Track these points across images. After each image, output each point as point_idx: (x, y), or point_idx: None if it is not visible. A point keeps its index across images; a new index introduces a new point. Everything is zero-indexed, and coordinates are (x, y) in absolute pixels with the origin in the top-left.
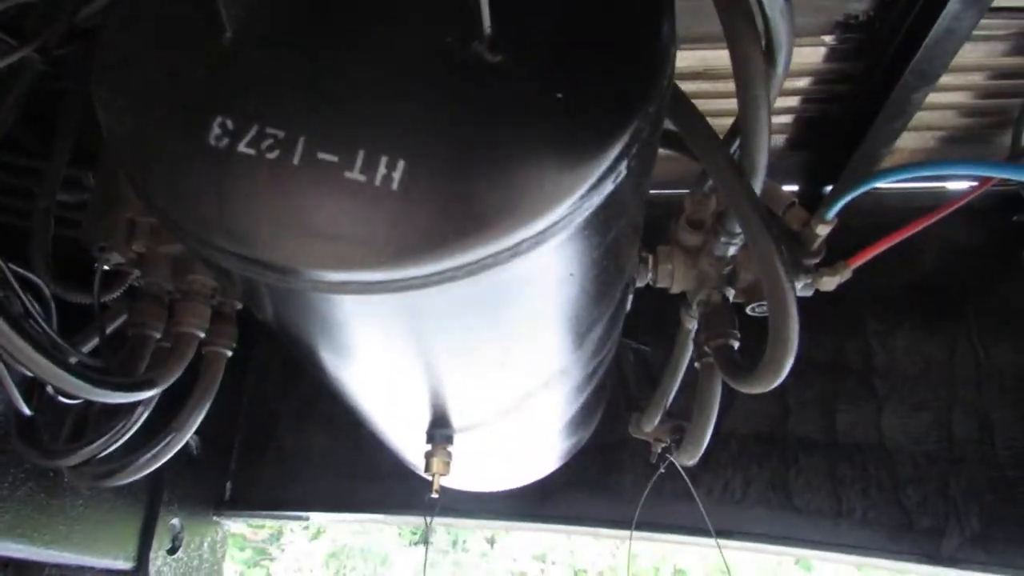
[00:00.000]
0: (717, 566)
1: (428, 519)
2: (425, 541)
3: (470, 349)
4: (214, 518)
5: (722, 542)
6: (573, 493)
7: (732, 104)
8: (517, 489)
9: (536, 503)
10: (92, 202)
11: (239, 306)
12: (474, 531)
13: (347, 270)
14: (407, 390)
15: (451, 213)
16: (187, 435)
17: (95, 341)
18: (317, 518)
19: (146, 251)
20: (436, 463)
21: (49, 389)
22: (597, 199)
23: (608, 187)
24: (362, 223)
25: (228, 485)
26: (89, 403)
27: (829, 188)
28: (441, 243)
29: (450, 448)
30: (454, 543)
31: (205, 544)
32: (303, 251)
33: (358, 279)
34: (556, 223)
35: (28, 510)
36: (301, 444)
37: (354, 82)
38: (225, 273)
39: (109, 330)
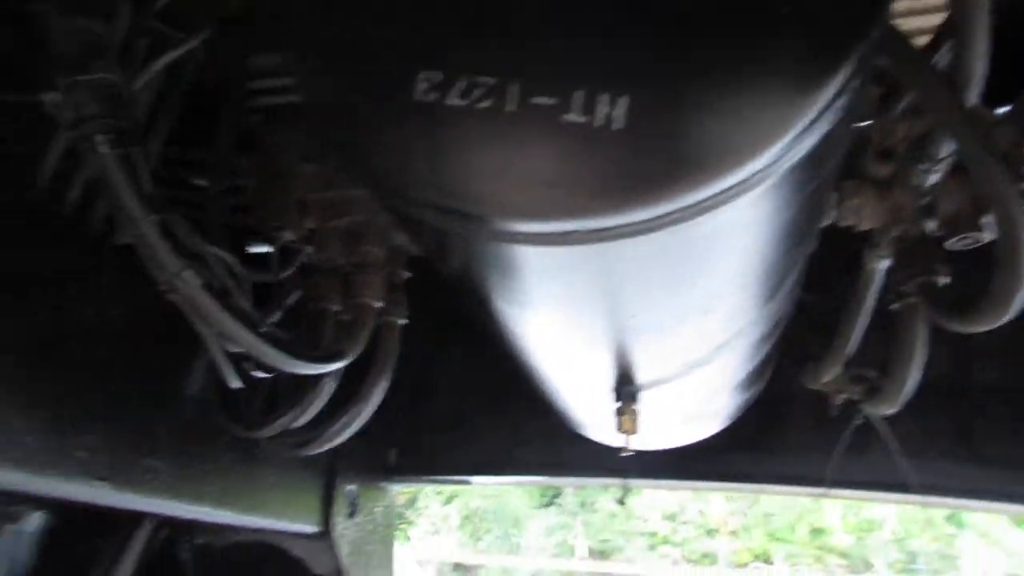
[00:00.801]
0: (857, 525)
1: (619, 482)
2: (621, 501)
3: (669, 299)
4: (383, 485)
5: (883, 495)
6: (735, 451)
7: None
8: (681, 448)
9: (699, 461)
10: (257, 184)
11: (407, 275)
12: (604, 492)
13: (572, 218)
14: (595, 345)
15: (679, 150)
16: (374, 405)
17: (274, 318)
18: (480, 482)
19: (318, 227)
20: (626, 421)
21: (238, 365)
22: (824, 125)
23: (830, 118)
24: (583, 168)
25: (392, 453)
26: (277, 378)
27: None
28: (671, 182)
29: (637, 406)
30: (582, 504)
31: (377, 509)
32: (522, 202)
33: (583, 227)
34: (791, 145)
35: (232, 479)
36: (462, 411)
37: (564, 18)
38: (422, 232)
39: (285, 308)
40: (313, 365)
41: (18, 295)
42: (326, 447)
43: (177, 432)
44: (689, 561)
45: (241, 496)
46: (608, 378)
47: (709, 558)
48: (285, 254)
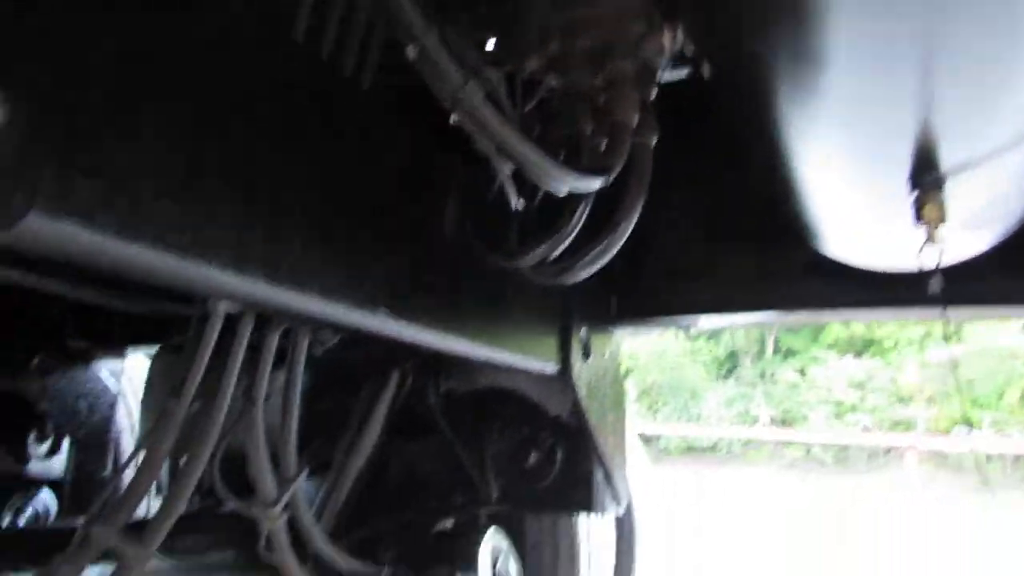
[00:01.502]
0: None
1: (865, 315)
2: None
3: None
4: (609, 329)
5: None
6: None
7: None
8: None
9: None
10: (498, 14)
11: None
12: (783, 362)
13: None
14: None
15: None
16: (629, 228)
17: None
18: (705, 322)
19: (561, 51)
20: (930, 209)
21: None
22: None
23: None
24: None
25: (613, 299)
26: (527, 210)
27: None
28: None
29: (942, 193)
30: (762, 375)
31: (606, 353)
32: None
33: None
34: None
35: (486, 316)
36: (685, 253)
37: None
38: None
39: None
40: (585, 178)
41: (308, 139)
42: (589, 271)
43: (441, 268)
44: (880, 429)
45: (494, 332)
46: (906, 165)
47: (903, 425)
48: (525, 87)
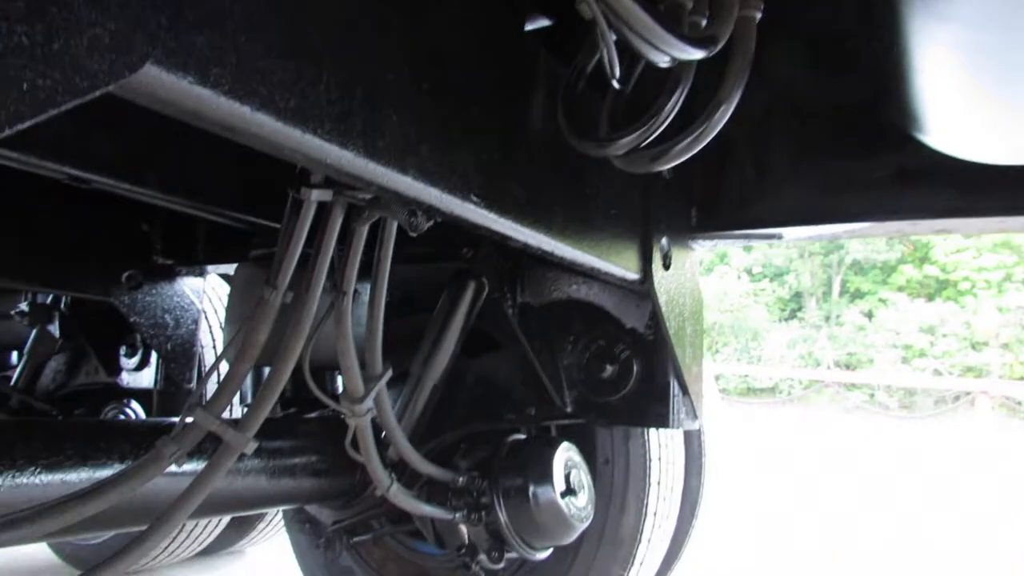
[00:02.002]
0: None
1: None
2: None
3: None
4: (688, 242)
5: None
6: None
7: None
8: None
9: None
10: None
11: None
12: (849, 304)
13: None
14: None
15: None
16: (729, 110)
17: None
18: (792, 234)
19: None
20: None
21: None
22: None
23: None
24: None
25: (693, 211)
26: (621, 91)
27: None
28: None
29: None
30: (827, 318)
31: (685, 266)
32: None
33: None
34: None
35: (571, 213)
36: (765, 158)
37: None
38: None
39: None
40: (690, 47)
41: (404, 16)
42: (685, 156)
43: (529, 162)
44: (951, 374)
45: (578, 233)
46: None
47: (975, 372)
48: None
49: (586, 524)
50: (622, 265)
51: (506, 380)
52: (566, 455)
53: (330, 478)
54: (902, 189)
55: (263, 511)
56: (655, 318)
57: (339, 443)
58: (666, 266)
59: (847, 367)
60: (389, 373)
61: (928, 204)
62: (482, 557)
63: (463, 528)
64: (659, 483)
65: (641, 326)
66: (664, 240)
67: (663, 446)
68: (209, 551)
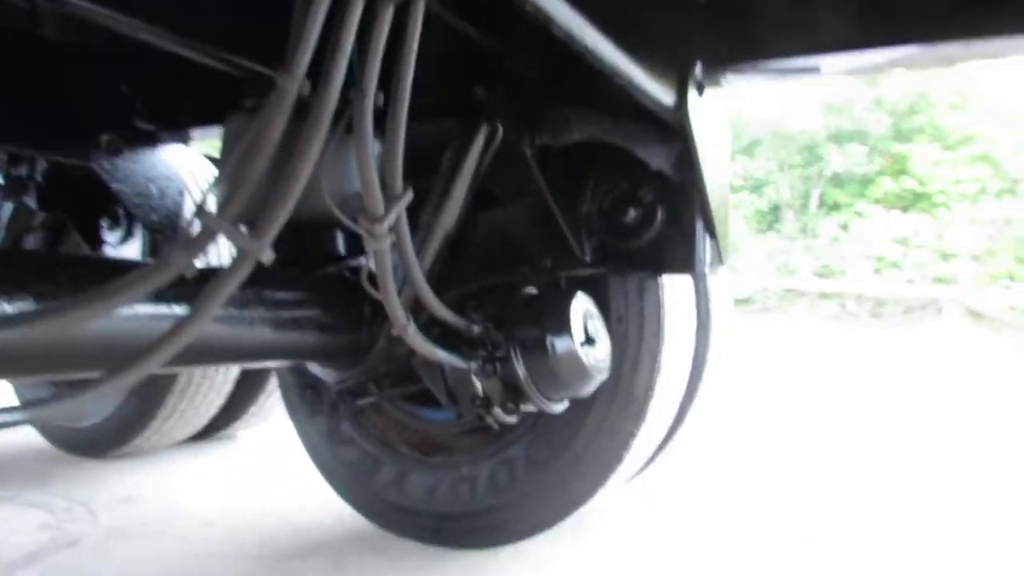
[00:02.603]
0: None
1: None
2: None
3: None
4: (721, 74)
5: None
6: None
7: None
8: None
9: None
10: None
11: None
12: (826, 216)
13: None
14: None
15: None
16: None
17: None
18: (830, 65)
19: None
20: None
21: None
22: None
23: None
24: None
25: (725, 43)
26: None
27: None
28: None
29: None
30: (803, 229)
31: (716, 97)
32: None
33: None
34: None
35: (609, 13)
36: None
37: None
38: None
39: None
40: None
41: None
42: None
43: None
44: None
45: (621, 35)
46: None
47: (944, 282)
48: None
49: (604, 376)
50: (658, 84)
51: (519, 232)
52: (583, 305)
53: (335, 334)
54: (953, 9)
55: (268, 364)
56: (684, 154)
57: (344, 299)
58: (700, 93)
59: (822, 277)
60: (410, 194)
61: (985, 25)
62: (497, 410)
63: (476, 380)
64: (672, 342)
65: (667, 167)
66: (698, 67)
67: (676, 305)
68: (200, 436)
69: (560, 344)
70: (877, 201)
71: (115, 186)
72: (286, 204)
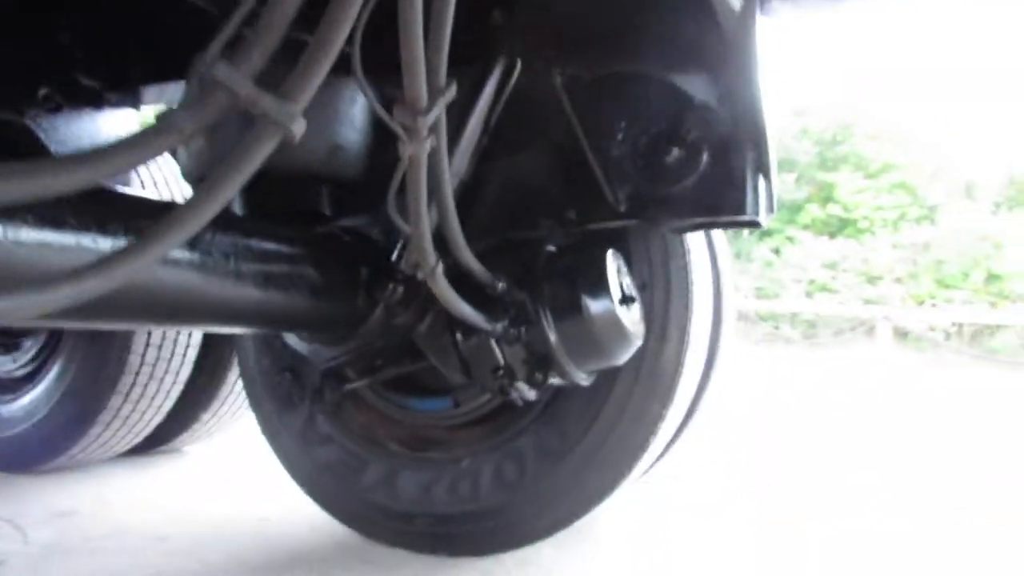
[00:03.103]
0: None
1: None
2: None
3: None
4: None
5: None
6: None
7: None
8: None
9: None
10: None
11: None
12: (759, 241)
13: None
14: None
15: None
16: None
17: None
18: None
19: None
20: None
21: None
22: None
23: None
24: None
25: None
26: None
27: None
28: None
29: None
30: (738, 254)
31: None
32: None
33: None
34: None
35: None
36: None
37: None
38: None
39: None
40: None
41: None
42: None
43: None
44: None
45: None
46: None
47: (872, 303)
48: None
49: (640, 342)
50: None
51: (538, 181)
52: (616, 260)
53: (329, 299)
54: None
55: (246, 328)
56: (740, 78)
57: (339, 260)
58: (760, 8)
59: (756, 299)
60: (454, 88)
61: None
62: (520, 384)
63: (496, 349)
64: (699, 311)
65: (714, 100)
66: None
67: (701, 269)
68: (142, 448)
69: (596, 303)
70: (806, 227)
71: (54, 148)
72: (323, 62)
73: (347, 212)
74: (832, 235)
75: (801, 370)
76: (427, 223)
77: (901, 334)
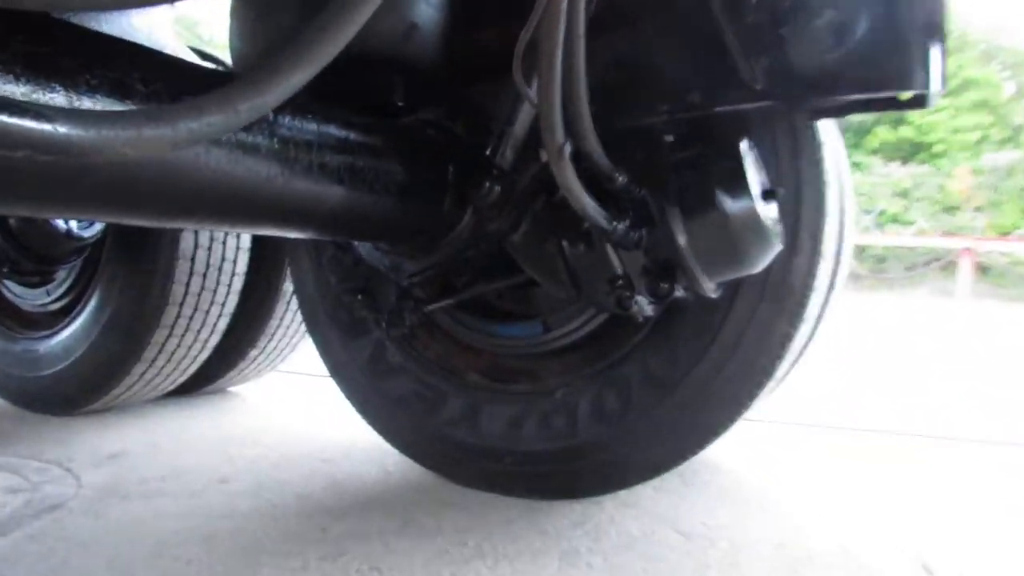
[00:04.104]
0: None
1: None
2: None
3: None
4: None
5: None
6: None
7: None
8: None
9: None
10: None
11: None
12: None
13: None
14: None
15: None
16: None
17: None
18: None
19: None
20: None
21: None
22: None
23: None
24: None
25: None
26: None
27: None
28: None
29: None
30: None
31: None
32: None
33: None
34: None
35: None
36: None
37: None
38: None
39: None
40: None
41: None
42: None
43: None
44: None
45: None
46: None
47: (951, 234)
48: None
49: (781, 246)
50: None
51: (656, 57)
52: (752, 151)
53: (416, 201)
54: None
55: (325, 234)
56: None
57: (426, 156)
58: None
59: None
60: None
61: None
62: (640, 297)
63: (613, 256)
64: (832, 217)
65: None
66: None
67: (833, 168)
68: (186, 389)
69: (733, 198)
70: (874, 151)
71: None
72: None
73: (423, 103)
74: (904, 160)
75: (868, 310)
76: (558, 95)
77: (982, 269)
